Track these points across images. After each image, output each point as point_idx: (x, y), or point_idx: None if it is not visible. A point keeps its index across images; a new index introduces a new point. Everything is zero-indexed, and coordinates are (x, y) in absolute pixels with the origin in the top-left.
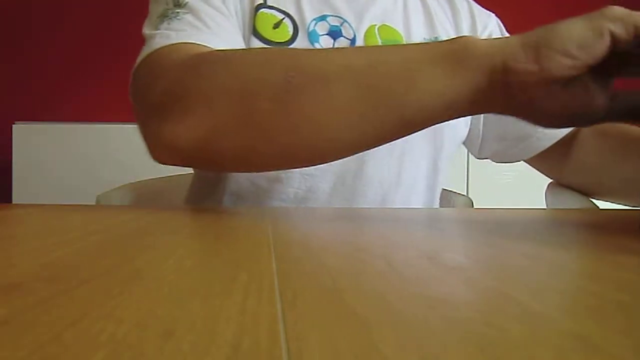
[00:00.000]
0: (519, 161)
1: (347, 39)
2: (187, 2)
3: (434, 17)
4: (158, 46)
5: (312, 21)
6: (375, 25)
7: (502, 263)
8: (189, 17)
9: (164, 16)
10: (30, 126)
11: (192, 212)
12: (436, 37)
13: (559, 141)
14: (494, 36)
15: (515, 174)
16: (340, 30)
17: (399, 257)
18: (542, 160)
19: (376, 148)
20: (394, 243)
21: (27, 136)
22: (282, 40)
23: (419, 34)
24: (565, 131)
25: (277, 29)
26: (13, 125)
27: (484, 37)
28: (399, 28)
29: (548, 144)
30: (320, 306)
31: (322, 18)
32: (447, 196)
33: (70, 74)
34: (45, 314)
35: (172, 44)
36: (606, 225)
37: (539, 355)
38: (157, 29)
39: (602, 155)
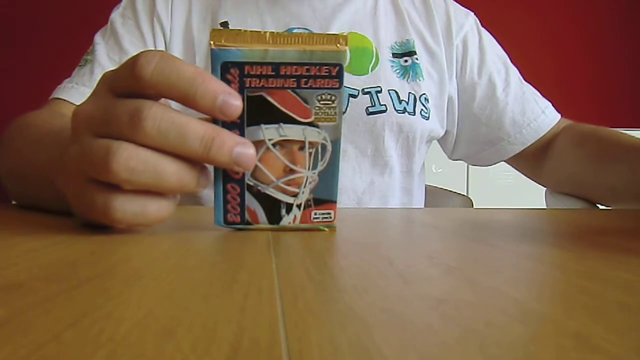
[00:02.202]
0: (492, 165)
1: None
2: (95, 49)
3: (406, 19)
4: (53, 95)
5: None
6: (343, 33)
7: (502, 263)
8: (87, 67)
9: (82, 60)
10: None
11: (192, 211)
12: (407, 40)
13: (531, 147)
14: (470, 37)
15: (516, 174)
16: None
17: (400, 256)
18: (518, 165)
19: (346, 158)
20: (394, 243)
21: None
22: None
23: (388, 39)
24: (534, 137)
25: None
26: None
27: (459, 38)
28: (368, 34)
29: (518, 149)
30: (320, 306)
31: (288, 32)
32: (447, 196)
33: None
34: (45, 314)
35: (52, 98)
36: (606, 225)
37: (539, 355)
38: (73, 74)
39: (581, 165)
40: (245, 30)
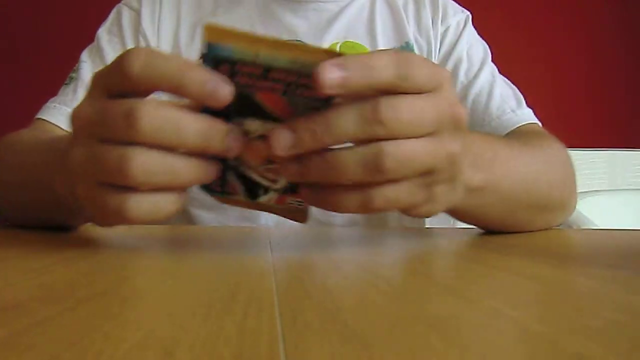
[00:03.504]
0: None
1: None
2: (80, 67)
3: (403, 20)
4: (37, 115)
5: None
6: (338, 42)
7: (501, 282)
8: (71, 86)
9: (67, 79)
10: None
11: (191, 230)
12: (406, 44)
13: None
14: (449, 33)
15: None
16: None
17: (399, 276)
18: None
19: None
20: (394, 262)
21: None
22: None
23: (386, 44)
24: (516, 124)
25: None
26: None
27: (439, 31)
28: (364, 42)
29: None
30: (320, 326)
31: None
32: None
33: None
34: (44, 335)
35: (37, 118)
36: (606, 245)
37: None
38: (59, 92)
39: None
40: (240, 31)
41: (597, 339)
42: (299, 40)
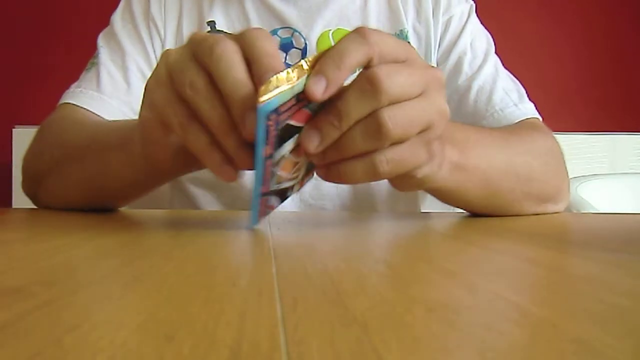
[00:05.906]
0: None
1: (299, 49)
2: (99, 52)
3: (400, 8)
4: (61, 101)
5: None
6: (330, 30)
7: (502, 267)
8: (93, 71)
9: (88, 64)
10: (31, 130)
11: (192, 216)
12: (401, 31)
13: None
14: (453, 22)
15: None
16: (292, 41)
17: (399, 260)
18: None
19: None
20: (394, 247)
21: (27, 140)
22: None
23: None
24: (518, 118)
25: None
26: (13, 129)
27: (442, 20)
28: None
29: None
30: (320, 310)
31: (273, 33)
32: None
33: (71, 78)
34: (45, 319)
35: (63, 103)
36: (606, 229)
37: (539, 359)
38: (80, 78)
39: None
40: (278, 76)
41: (597, 323)
42: (291, 28)
